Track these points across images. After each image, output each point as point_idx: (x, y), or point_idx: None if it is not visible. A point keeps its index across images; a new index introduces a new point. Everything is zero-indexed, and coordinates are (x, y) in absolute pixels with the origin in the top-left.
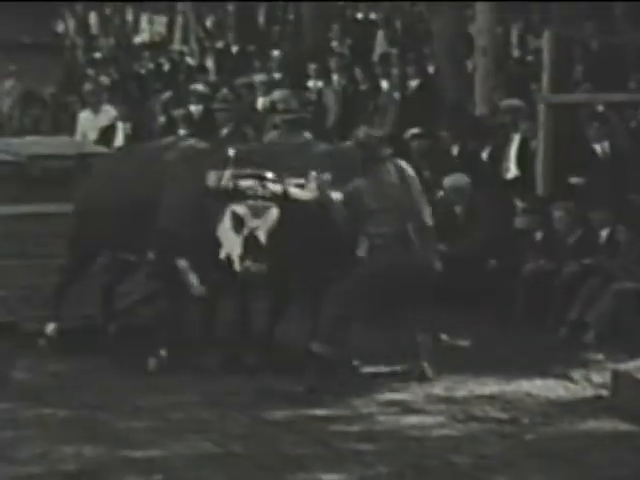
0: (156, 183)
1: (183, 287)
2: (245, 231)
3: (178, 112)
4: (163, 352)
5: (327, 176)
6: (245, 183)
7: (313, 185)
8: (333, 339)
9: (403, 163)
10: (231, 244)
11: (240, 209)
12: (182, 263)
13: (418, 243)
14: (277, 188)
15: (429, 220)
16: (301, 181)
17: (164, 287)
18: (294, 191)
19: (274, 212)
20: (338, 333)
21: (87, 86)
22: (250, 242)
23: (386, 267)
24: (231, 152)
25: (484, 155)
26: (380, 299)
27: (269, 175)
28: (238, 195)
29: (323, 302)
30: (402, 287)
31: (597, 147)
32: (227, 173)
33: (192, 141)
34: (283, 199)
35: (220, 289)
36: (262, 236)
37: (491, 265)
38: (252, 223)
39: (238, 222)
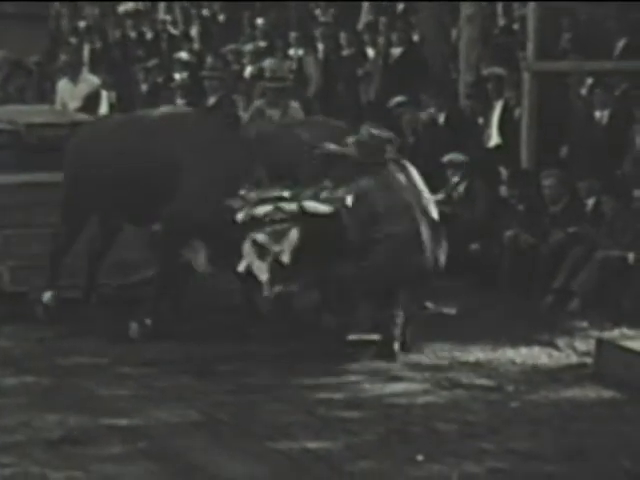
0: (171, 159)
1: (185, 262)
2: (269, 258)
3: (175, 82)
4: (148, 321)
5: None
6: (260, 210)
7: (327, 196)
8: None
9: (406, 162)
10: (256, 267)
11: (260, 237)
12: (197, 243)
13: (429, 241)
14: (292, 207)
15: (437, 216)
16: (316, 191)
17: (162, 259)
18: (309, 205)
19: (294, 233)
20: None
21: (63, 56)
22: (275, 267)
23: (395, 266)
24: (261, 172)
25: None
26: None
27: (285, 194)
28: (256, 223)
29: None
30: (406, 282)
31: (597, 114)
32: (247, 206)
33: (207, 118)
34: (301, 215)
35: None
36: (286, 258)
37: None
38: (275, 248)
39: (261, 250)
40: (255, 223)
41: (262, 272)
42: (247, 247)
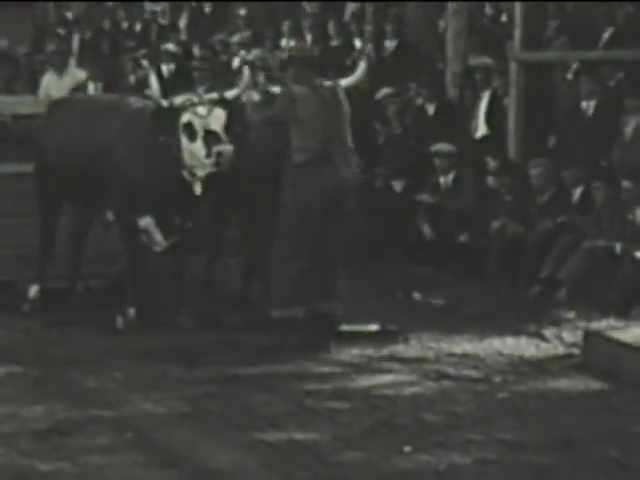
0: (106, 141)
1: (145, 245)
2: (200, 132)
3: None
4: (131, 311)
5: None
6: (179, 99)
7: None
8: (290, 299)
9: (337, 84)
10: (193, 153)
11: (186, 117)
12: (146, 220)
13: (340, 161)
14: (212, 95)
15: (350, 141)
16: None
17: (125, 246)
18: (229, 94)
19: (219, 111)
20: (292, 290)
21: (50, 47)
22: (210, 139)
23: (308, 186)
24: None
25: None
26: (306, 229)
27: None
28: (179, 110)
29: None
30: (324, 208)
31: (584, 104)
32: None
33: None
34: (221, 103)
35: (186, 244)
36: (218, 128)
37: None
38: (202, 123)
39: (190, 129)
40: (178, 111)
41: (198, 150)
42: (181, 137)
